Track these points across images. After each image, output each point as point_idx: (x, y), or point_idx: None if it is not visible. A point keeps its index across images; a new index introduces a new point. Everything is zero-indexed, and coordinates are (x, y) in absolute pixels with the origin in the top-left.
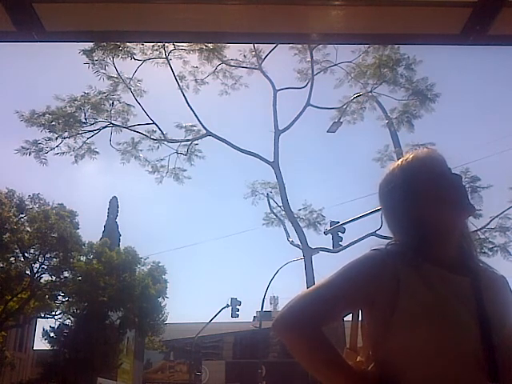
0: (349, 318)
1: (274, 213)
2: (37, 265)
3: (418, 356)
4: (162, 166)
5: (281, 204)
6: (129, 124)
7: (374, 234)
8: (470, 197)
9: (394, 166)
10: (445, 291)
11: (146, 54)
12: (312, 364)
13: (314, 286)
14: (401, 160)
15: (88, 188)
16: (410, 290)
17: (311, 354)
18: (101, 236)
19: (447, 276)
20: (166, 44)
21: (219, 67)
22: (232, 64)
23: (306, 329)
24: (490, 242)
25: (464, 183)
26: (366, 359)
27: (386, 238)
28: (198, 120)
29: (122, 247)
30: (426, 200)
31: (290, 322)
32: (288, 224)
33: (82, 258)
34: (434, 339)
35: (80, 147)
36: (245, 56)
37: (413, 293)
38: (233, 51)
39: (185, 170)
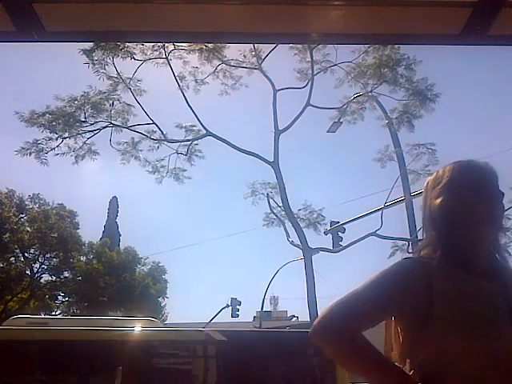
0: None
1: (274, 213)
2: (37, 265)
3: (455, 363)
4: (162, 166)
5: (281, 204)
6: (129, 124)
7: (374, 234)
8: (502, 219)
9: (445, 167)
10: (478, 298)
11: (146, 54)
12: (357, 367)
13: (347, 295)
14: (453, 163)
15: (88, 188)
16: (445, 297)
17: (355, 357)
18: (101, 236)
19: (479, 283)
20: (166, 44)
21: (219, 67)
22: (232, 64)
23: (346, 334)
24: None
25: (501, 203)
26: (403, 365)
27: (385, 237)
28: (198, 120)
29: (122, 247)
30: (463, 207)
31: (328, 330)
32: (288, 224)
33: (82, 258)
34: (470, 345)
35: (80, 147)
36: (245, 56)
37: (447, 300)
38: (233, 51)
39: (185, 170)
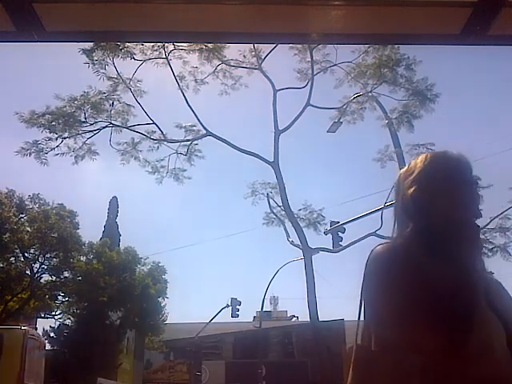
0: (349, 317)
1: (273, 213)
2: (37, 265)
3: None
4: (162, 167)
5: (281, 204)
6: (129, 124)
7: (374, 234)
8: (478, 205)
9: (417, 159)
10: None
11: (145, 54)
12: None
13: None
14: (426, 154)
15: (88, 188)
16: None
17: None
18: (101, 236)
19: (457, 274)
20: (166, 44)
21: (219, 67)
22: (232, 64)
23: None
24: (489, 242)
25: (476, 191)
26: None
27: (385, 238)
28: (198, 120)
29: (122, 247)
30: (436, 197)
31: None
32: (288, 224)
33: (82, 258)
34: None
35: (80, 147)
36: (245, 56)
37: None
38: (233, 51)
39: (185, 170)
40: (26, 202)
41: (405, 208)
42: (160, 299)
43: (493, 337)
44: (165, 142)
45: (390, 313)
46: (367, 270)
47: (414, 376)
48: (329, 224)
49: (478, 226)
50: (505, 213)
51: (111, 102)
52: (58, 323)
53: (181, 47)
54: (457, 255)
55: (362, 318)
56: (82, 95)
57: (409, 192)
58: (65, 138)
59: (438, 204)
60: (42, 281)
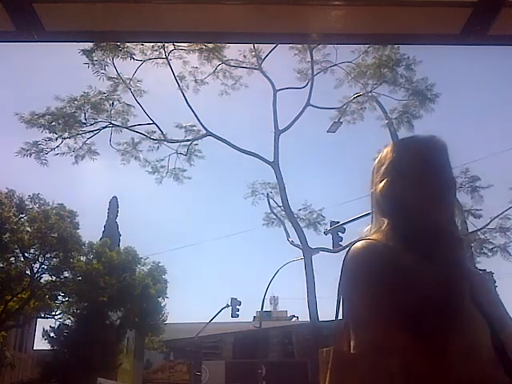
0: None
1: (274, 213)
2: (37, 265)
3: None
4: (161, 167)
5: (281, 204)
6: (129, 124)
7: None
8: (454, 193)
9: (388, 147)
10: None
11: (145, 54)
12: None
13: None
14: (396, 141)
15: (88, 188)
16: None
17: None
18: (101, 236)
19: (438, 271)
20: (166, 44)
21: (219, 67)
22: (232, 64)
23: None
24: (490, 242)
25: (450, 178)
26: None
27: None
28: (198, 120)
29: (122, 247)
30: (408, 187)
31: None
32: (288, 224)
33: (82, 258)
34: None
35: (80, 148)
36: (245, 56)
37: None
38: (233, 51)
39: (185, 170)
40: (26, 202)
41: (378, 203)
42: (160, 299)
43: (477, 336)
44: (165, 142)
45: (370, 311)
46: (346, 267)
47: (394, 378)
48: (329, 224)
49: (455, 219)
50: (505, 213)
51: (111, 102)
52: (58, 323)
53: (181, 47)
54: (436, 250)
55: (340, 319)
56: (81, 95)
57: (379, 187)
58: (65, 139)
59: (411, 198)
60: (42, 281)
